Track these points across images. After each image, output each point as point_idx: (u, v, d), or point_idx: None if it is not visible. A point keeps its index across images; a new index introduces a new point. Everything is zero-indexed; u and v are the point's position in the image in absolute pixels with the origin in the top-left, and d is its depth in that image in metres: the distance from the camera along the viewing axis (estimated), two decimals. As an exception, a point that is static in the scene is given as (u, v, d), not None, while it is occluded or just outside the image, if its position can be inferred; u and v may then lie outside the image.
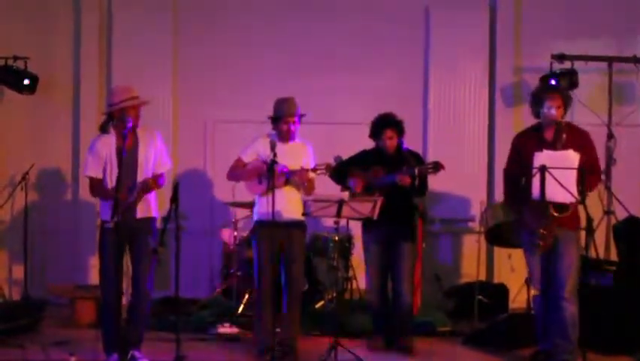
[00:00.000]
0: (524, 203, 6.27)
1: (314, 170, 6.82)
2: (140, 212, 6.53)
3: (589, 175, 6.22)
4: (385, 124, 7.19)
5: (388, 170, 7.09)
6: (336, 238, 7.10)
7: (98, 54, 9.60)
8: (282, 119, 6.88)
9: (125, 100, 6.43)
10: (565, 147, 6.09)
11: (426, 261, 8.82)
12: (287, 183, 6.82)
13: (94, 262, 8.84)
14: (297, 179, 6.81)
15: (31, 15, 9.58)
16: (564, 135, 6.17)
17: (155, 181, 6.51)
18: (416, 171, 6.89)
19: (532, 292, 6.81)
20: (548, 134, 6.31)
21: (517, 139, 6.61)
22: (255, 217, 7.03)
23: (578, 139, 6.31)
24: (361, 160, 7.36)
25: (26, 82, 9.06)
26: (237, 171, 7.03)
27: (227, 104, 9.66)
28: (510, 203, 6.81)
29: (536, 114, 6.44)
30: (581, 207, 6.13)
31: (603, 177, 6.92)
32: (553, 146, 6.16)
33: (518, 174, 6.36)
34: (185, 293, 7.02)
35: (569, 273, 6.27)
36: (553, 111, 6.26)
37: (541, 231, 6.10)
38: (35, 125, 9.58)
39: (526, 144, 6.35)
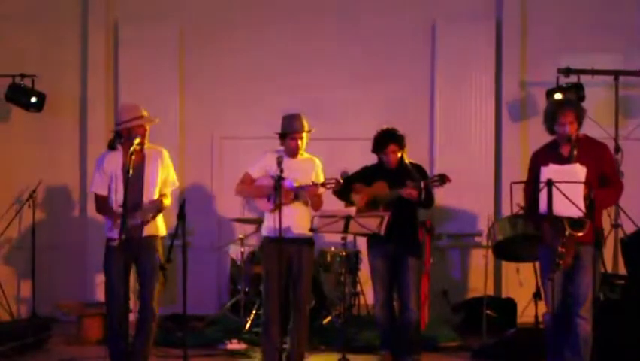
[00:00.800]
0: (542, 220, 6.22)
1: (323, 185, 6.82)
2: (147, 230, 6.53)
3: (606, 188, 6.20)
4: (388, 139, 7.17)
5: (391, 184, 7.08)
6: (343, 254, 7.09)
7: (105, 71, 9.64)
8: (290, 136, 6.89)
9: (133, 119, 6.46)
10: (581, 161, 6.03)
11: (434, 276, 8.80)
12: (296, 198, 6.83)
13: (101, 279, 8.77)
14: (306, 194, 6.81)
15: (39, 33, 9.64)
16: (575, 152, 6.12)
17: (163, 201, 6.53)
18: (422, 184, 6.87)
19: (542, 309, 6.76)
20: (564, 150, 6.25)
21: (535, 155, 6.54)
22: (264, 233, 7.02)
23: (595, 152, 6.26)
24: (364, 176, 7.34)
25: (33, 100, 9.11)
26: (245, 188, 7.03)
27: (233, 121, 9.70)
28: (531, 220, 6.75)
29: (550, 131, 6.39)
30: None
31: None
32: (569, 161, 6.11)
33: (532, 196, 6.27)
34: (193, 310, 7.01)
35: (588, 291, 6.19)
36: (567, 128, 6.20)
37: (560, 249, 6.04)
38: (42, 142, 9.62)
39: (542, 160, 6.26)
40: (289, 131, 6.89)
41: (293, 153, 6.91)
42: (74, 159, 9.67)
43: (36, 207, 9.09)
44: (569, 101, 7.34)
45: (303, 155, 6.98)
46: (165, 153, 6.71)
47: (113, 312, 6.50)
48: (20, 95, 9.10)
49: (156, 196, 6.52)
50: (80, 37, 9.67)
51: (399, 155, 7.18)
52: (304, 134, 6.92)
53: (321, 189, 6.85)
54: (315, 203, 6.90)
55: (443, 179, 6.80)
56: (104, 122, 9.34)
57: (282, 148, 6.97)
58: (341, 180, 6.80)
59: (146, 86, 9.38)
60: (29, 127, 9.49)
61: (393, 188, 6.99)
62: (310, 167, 6.97)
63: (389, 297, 7.31)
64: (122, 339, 6.40)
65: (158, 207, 6.46)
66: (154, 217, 6.46)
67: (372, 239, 7.19)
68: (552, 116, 6.33)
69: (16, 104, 9.19)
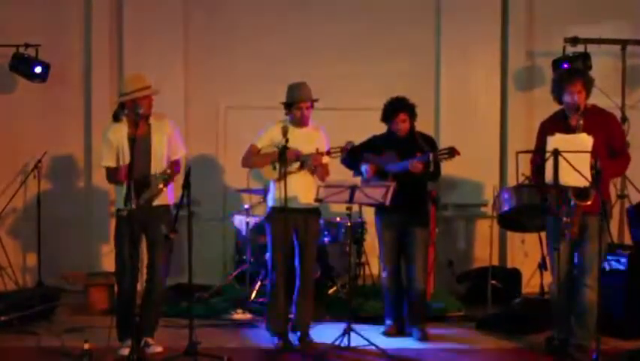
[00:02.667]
0: (548, 190, 6.21)
1: (329, 153, 6.80)
2: (156, 200, 6.55)
3: (614, 159, 6.19)
4: (398, 107, 7.16)
5: (401, 154, 7.06)
6: (349, 224, 7.09)
7: (109, 40, 9.59)
8: (296, 105, 6.86)
9: (137, 90, 6.44)
10: (588, 130, 6.01)
11: (439, 246, 8.81)
12: (301, 167, 6.81)
13: (107, 249, 8.88)
14: (312, 163, 6.80)
15: (42, 2, 9.58)
16: (582, 122, 6.09)
17: (172, 169, 6.53)
18: (430, 156, 6.85)
19: (547, 279, 6.77)
20: (572, 120, 6.22)
21: (543, 125, 6.51)
22: (270, 203, 7.02)
23: (603, 122, 6.24)
24: (373, 145, 7.34)
25: (38, 70, 9.05)
26: (251, 158, 7.02)
27: (238, 91, 9.65)
28: (537, 190, 6.74)
29: (558, 100, 6.36)
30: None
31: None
32: (576, 131, 6.07)
33: (541, 163, 6.24)
34: (198, 280, 7.04)
35: (594, 261, 6.19)
36: (575, 97, 6.18)
37: (565, 219, 6.05)
38: (47, 113, 9.58)
39: (550, 129, 6.22)
40: (295, 101, 6.86)
41: (299, 122, 6.88)
42: (79, 129, 9.63)
43: (41, 177, 9.08)
44: (578, 70, 7.32)
45: (309, 125, 6.96)
46: (170, 122, 6.71)
47: (122, 282, 6.54)
48: (24, 65, 9.05)
49: (164, 166, 6.52)
50: (84, 5, 9.60)
51: (409, 124, 7.18)
52: (310, 104, 6.90)
53: (327, 158, 6.84)
54: (321, 173, 6.89)
55: (452, 152, 6.78)
56: (109, 91, 9.31)
57: (287, 118, 6.95)
58: (348, 148, 6.79)
59: (151, 55, 9.34)
60: (34, 97, 9.45)
61: (403, 158, 6.98)
62: (316, 137, 6.95)
63: (396, 267, 7.34)
64: (130, 309, 6.44)
65: (166, 176, 6.44)
66: (165, 186, 6.46)
67: (380, 209, 7.21)
68: (560, 85, 6.31)
69: (20, 75, 9.14)
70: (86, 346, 6.02)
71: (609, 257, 7.33)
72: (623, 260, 7.29)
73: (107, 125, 6.67)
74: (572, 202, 6.00)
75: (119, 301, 6.66)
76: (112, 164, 6.58)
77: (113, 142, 6.54)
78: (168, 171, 6.43)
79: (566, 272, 6.31)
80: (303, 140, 6.81)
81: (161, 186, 6.40)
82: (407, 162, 6.93)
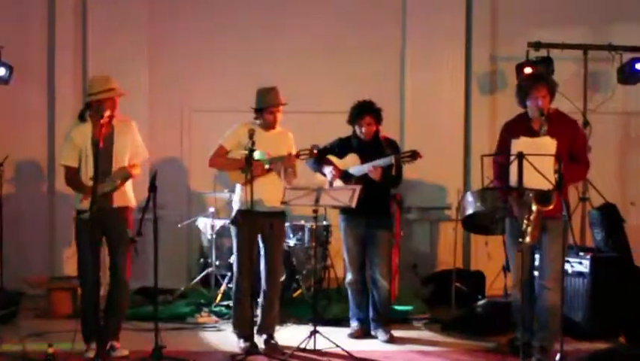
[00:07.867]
0: (510, 193, 6.26)
1: (297, 156, 6.81)
2: (116, 201, 6.51)
3: (575, 164, 6.26)
4: (364, 110, 7.20)
5: (365, 157, 7.10)
6: (314, 227, 7.10)
7: (73, 42, 9.51)
8: (269, 109, 6.86)
9: (103, 91, 6.42)
10: (551, 135, 6.05)
11: (403, 249, 8.85)
12: (269, 171, 6.81)
13: (70, 253, 8.77)
14: (280, 165, 6.80)
15: (5, 3, 9.47)
16: (545, 127, 6.15)
17: (131, 170, 6.49)
18: (393, 159, 6.89)
19: (511, 281, 6.83)
20: (535, 124, 6.28)
21: (506, 127, 6.56)
22: (236, 206, 7.01)
23: (566, 127, 6.31)
24: (337, 148, 7.37)
25: (1, 72, 8.93)
26: (219, 159, 6.99)
27: (203, 93, 9.65)
28: (499, 192, 6.78)
29: (522, 104, 6.41)
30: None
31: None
32: (539, 135, 6.13)
33: (506, 163, 6.28)
34: (163, 283, 6.99)
35: (556, 263, 6.24)
36: (539, 102, 6.23)
37: (526, 222, 6.09)
38: (10, 115, 9.46)
39: (514, 132, 6.25)
40: (268, 105, 6.85)
41: (270, 126, 6.88)
42: (42, 132, 9.52)
43: (3, 181, 8.96)
44: (542, 75, 7.38)
45: (276, 128, 6.96)
46: (133, 125, 6.69)
47: (86, 284, 6.50)
48: (-14, 67, 8.96)
49: (125, 168, 6.51)
50: (48, 7, 9.49)
51: (374, 128, 7.21)
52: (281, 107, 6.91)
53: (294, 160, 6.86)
54: (289, 175, 6.89)
55: (414, 155, 6.82)
56: (73, 94, 9.24)
57: (255, 120, 6.94)
58: (315, 151, 6.81)
59: (115, 57, 9.25)
60: (-4, 100, 9.37)
61: (366, 161, 7.02)
62: (283, 140, 6.96)
63: (361, 269, 7.36)
64: (94, 312, 6.39)
65: (125, 173, 6.43)
66: (122, 184, 6.43)
67: (345, 212, 7.23)
68: (525, 90, 6.36)
69: (-18, 77, 9.05)
70: (50, 350, 5.96)
71: (571, 259, 7.43)
72: (586, 262, 7.38)
73: (72, 125, 6.64)
74: (534, 206, 6.04)
75: (83, 304, 6.62)
76: (72, 163, 6.53)
77: (77, 142, 6.49)
78: (126, 171, 6.41)
79: (527, 275, 6.37)
80: (272, 142, 6.82)
81: (118, 182, 6.38)
82: (367, 165, 6.97)
